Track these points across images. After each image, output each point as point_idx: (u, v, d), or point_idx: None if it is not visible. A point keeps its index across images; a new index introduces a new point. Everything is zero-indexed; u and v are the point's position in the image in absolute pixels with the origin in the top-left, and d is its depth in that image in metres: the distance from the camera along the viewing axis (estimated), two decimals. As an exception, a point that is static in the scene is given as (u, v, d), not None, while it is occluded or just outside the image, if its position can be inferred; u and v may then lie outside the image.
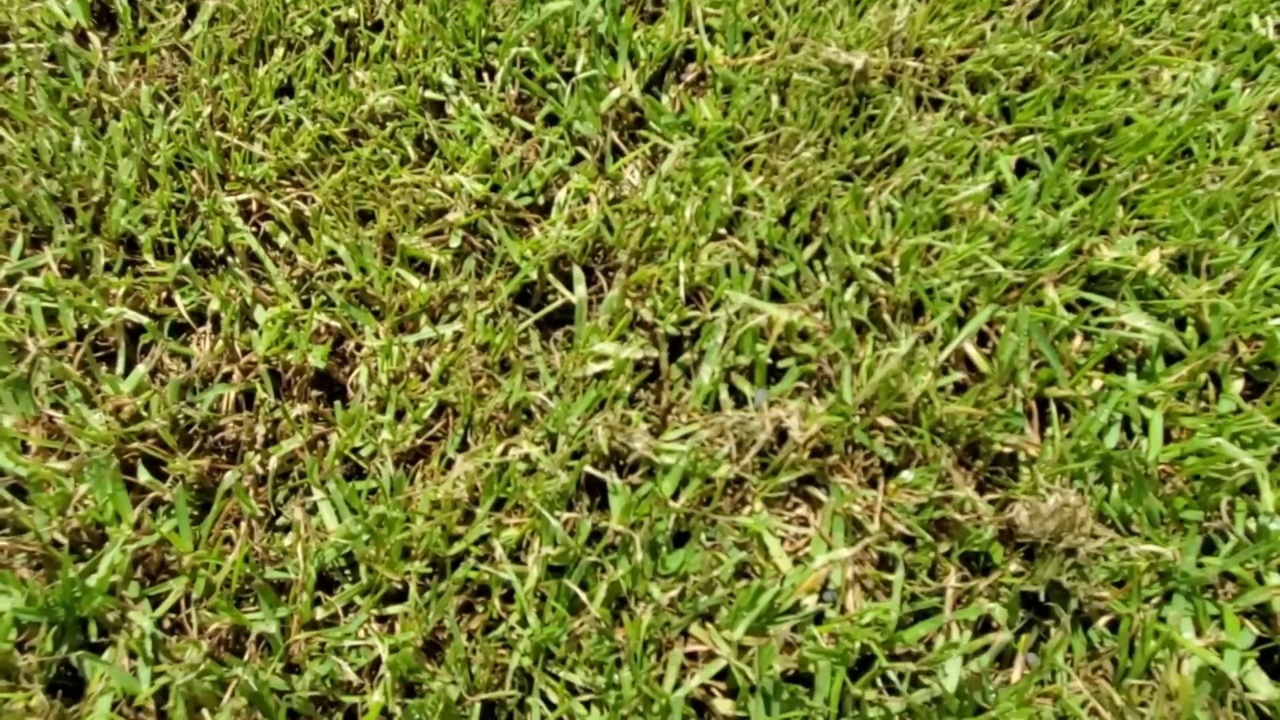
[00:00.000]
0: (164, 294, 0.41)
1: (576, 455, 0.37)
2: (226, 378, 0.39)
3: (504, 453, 0.36)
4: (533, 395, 0.38)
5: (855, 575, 0.36)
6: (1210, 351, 0.39)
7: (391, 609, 0.35)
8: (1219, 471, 0.37)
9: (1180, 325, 0.41)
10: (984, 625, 0.35)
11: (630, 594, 0.35)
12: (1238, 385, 0.40)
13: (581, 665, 0.34)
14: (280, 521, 0.37)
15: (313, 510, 0.37)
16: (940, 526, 0.36)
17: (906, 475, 0.37)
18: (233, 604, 0.34)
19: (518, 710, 0.33)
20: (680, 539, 0.36)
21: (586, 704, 0.33)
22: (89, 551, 0.36)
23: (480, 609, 0.35)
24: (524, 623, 0.34)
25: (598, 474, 0.36)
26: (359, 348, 0.40)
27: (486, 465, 0.36)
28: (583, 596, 0.34)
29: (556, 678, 0.33)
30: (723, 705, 0.34)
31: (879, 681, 0.34)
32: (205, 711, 0.32)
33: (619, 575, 0.34)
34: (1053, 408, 0.39)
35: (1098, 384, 0.39)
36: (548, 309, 0.41)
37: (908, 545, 0.36)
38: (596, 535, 0.36)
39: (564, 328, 0.41)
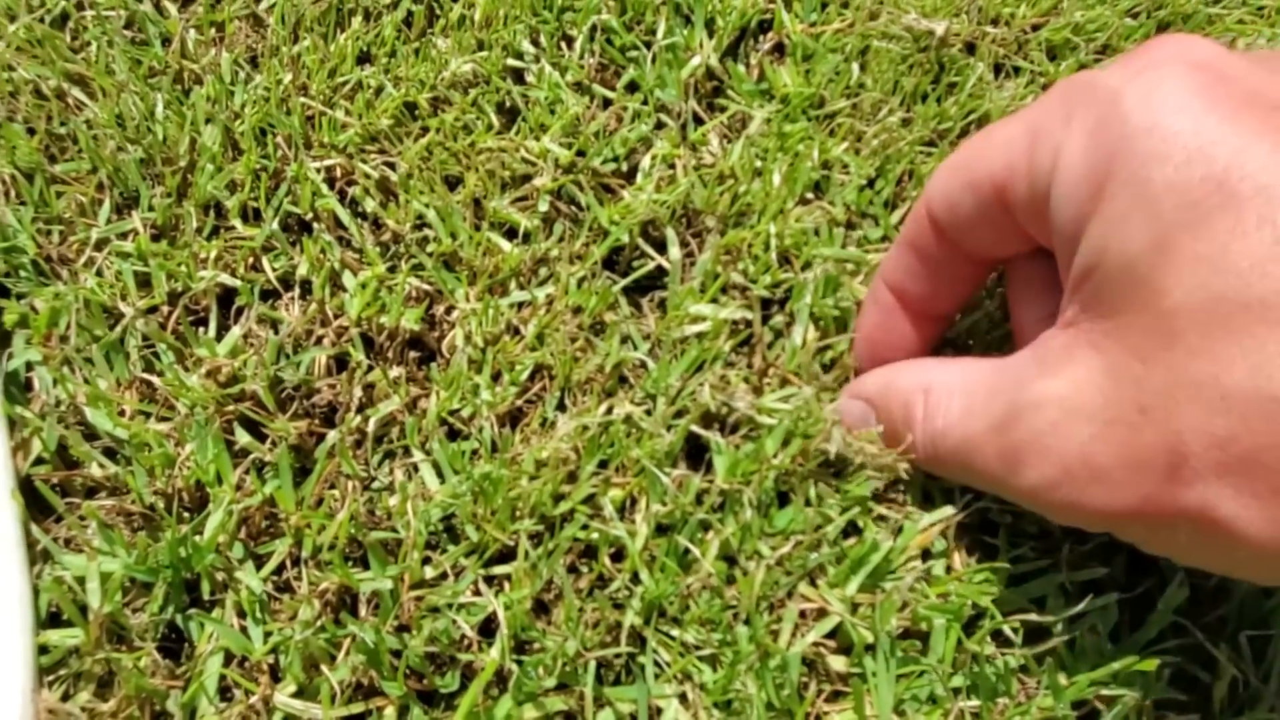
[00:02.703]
0: (251, 259, 0.40)
1: (678, 415, 0.37)
2: (318, 341, 0.39)
3: (607, 412, 0.36)
4: (631, 356, 0.38)
5: (958, 537, 0.36)
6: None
7: (497, 569, 0.35)
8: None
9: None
10: (1093, 584, 0.35)
11: (739, 552, 0.34)
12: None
13: (693, 623, 0.33)
14: (375, 485, 0.36)
15: (411, 472, 0.36)
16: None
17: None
18: (343, 563, 0.33)
19: (630, 666, 0.33)
20: (782, 499, 0.36)
21: (701, 660, 0.33)
22: (188, 514, 0.36)
23: (585, 569, 0.35)
24: (636, 580, 0.34)
25: (703, 432, 0.36)
26: (449, 311, 0.40)
27: (587, 427, 0.36)
28: (695, 552, 0.34)
29: (670, 636, 0.33)
30: (836, 662, 0.33)
31: (991, 639, 0.34)
32: (322, 668, 0.32)
33: (728, 533, 0.34)
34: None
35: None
36: (637, 274, 0.41)
37: (1013, 509, 0.36)
38: (699, 497, 0.36)
39: (651, 294, 0.41)
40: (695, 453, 0.37)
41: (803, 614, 0.34)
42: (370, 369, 0.38)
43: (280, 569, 0.35)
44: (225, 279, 0.39)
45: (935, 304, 0.35)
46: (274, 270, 0.40)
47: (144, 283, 0.39)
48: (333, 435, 0.36)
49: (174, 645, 0.34)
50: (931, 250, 0.34)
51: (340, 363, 0.39)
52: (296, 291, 0.40)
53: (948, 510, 0.35)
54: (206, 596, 0.33)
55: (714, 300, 0.39)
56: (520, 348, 0.38)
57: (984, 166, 0.30)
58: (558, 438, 0.35)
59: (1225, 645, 0.33)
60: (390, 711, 0.32)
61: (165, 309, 0.39)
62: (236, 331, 0.38)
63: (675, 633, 0.33)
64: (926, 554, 0.35)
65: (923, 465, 0.34)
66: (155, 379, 0.37)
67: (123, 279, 0.39)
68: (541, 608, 0.34)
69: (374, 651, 0.32)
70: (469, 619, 0.33)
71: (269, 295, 0.40)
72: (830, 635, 0.34)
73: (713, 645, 0.33)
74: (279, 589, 0.35)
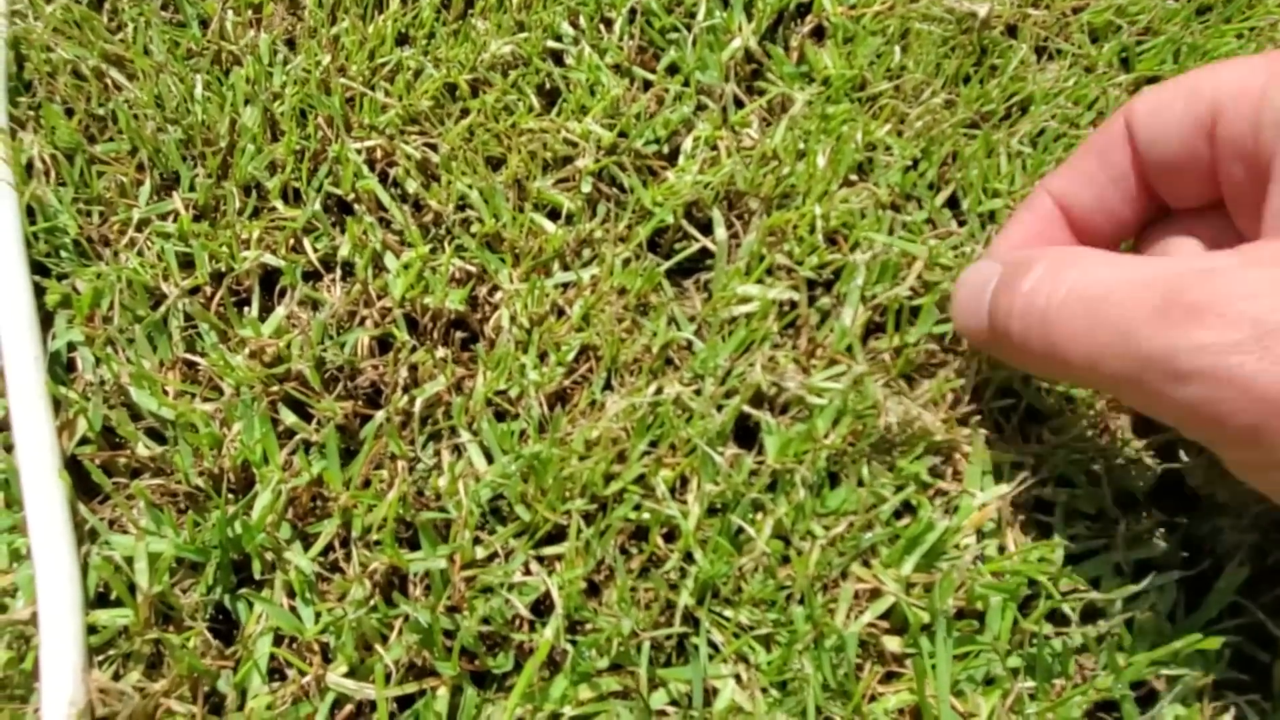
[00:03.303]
0: (293, 241, 0.40)
1: (728, 395, 0.36)
2: (361, 322, 0.38)
3: (657, 392, 0.36)
4: (678, 336, 0.38)
5: (1012, 517, 0.35)
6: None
7: (548, 550, 0.34)
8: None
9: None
10: (1147, 564, 0.35)
11: (792, 531, 0.34)
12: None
13: (747, 604, 0.33)
14: (421, 466, 0.36)
15: (458, 453, 0.36)
16: (1092, 475, 0.36)
17: (1055, 422, 0.37)
18: (393, 543, 0.33)
19: (684, 646, 0.33)
20: (834, 478, 0.36)
21: (756, 641, 0.33)
22: (234, 494, 0.35)
23: (636, 550, 0.35)
24: (689, 559, 0.33)
25: (753, 412, 0.36)
26: (493, 292, 0.40)
27: (636, 406, 0.36)
28: (750, 531, 0.33)
29: (724, 617, 0.33)
30: (890, 643, 0.33)
31: (1048, 618, 0.33)
32: (376, 648, 0.32)
33: (781, 513, 0.34)
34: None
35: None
36: (680, 255, 0.40)
37: (1068, 488, 0.36)
38: (750, 477, 0.35)
39: (694, 275, 0.41)
40: (743, 434, 0.37)
41: (856, 594, 0.34)
42: (415, 349, 0.38)
43: (328, 549, 0.34)
44: (268, 259, 0.39)
45: (1101, 219, 0.34)
46: (316, 251, 0.40)
47: (186, 263, 0.39)
48: (379, 415, 0.36)
49: (223, 626, 0.33)
50: (1115, 155, 0.33)
51: (384, 344, 0.39)
52: (338, 273, 0.40)
53: (1002, 488, 0.35)
54: (256, 576, 0.33)
55: (760, 281, 0.39)
56: (566, 328, 0.38)
57: (1210, 83, 0.30)
58: (608, 417, 0.35)
59: (1286, 625, 0.33)
60: (443, 692, 0.32)
61: (208, 289, 0.39)
62: (280, 312, 0.38)
63: (729, 613, 0.33)
64: (980, 533, 0.35)
65: (994, 336, 0.31)
66: (199, 359, 0.37)
67: (165, 259, 0.39)
68: (593, 588, 0.34)
69: (427, 631, 0.32)
70: (522, 599, 0.33)
71: (311, 276, 0.40)
72: (884, 616, 0.34)
73: (768, 625, 0.33)
74: (328, 569, 0.34)
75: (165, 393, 0.36)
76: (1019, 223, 0.35)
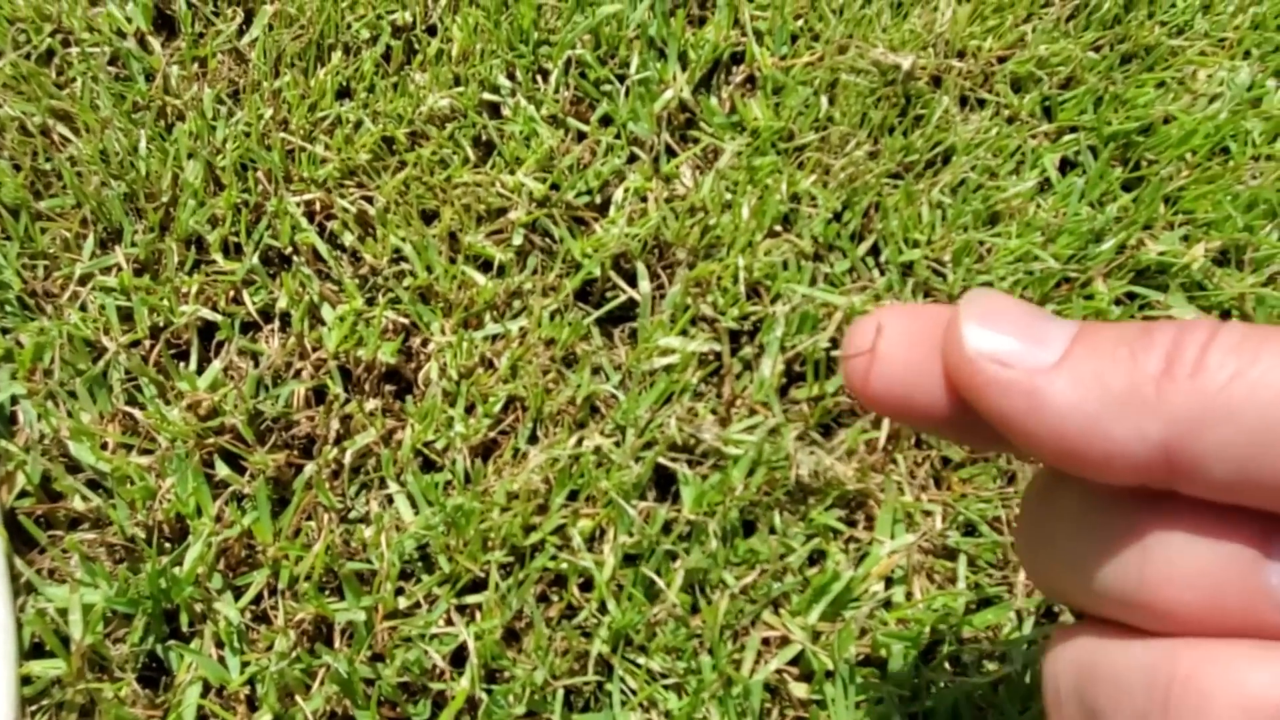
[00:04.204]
0: (232, 293, 0.41)
1: (647, 446, 0.38)
2: (297, 374, 0.40)
3: (578, 444, 0.37)
4: (602, 388, 0.39)
5: (919, 564, 0.37)
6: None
7: (469, 599, 0.35)
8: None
9: (1225, 316, 0.43)
10: (1048, 611, 0.36)
11: (704, 581, 0.35)
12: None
13: (659, 652, 0.34)
14: (352, 515, 0.37)
15: (386, 503, 0.37)
16: (996, 524, 0.37)
17: (968, 470, 0.38)
18: (319, 594, 0.34)
19: (598, 694, 0.34)
20: (748, 528, 0.37)
21: (666, 688, 0.34)
22: (169, 545, 0.36)
23: (555, 598, 0.36)
24: (603, 609, 0.35)
25: (669, 464, 0.37)
26: (425, 344, 0.41)
27: (557, 459, 0.37)
28: (660, 583, 0.35)
29: (636, 664, 0.34)
30: (798, 689, 0.34)
31: (948, 665, 0.35)
32: (297, 698, 0.33)
33: (693, 563, 0.35)
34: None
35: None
36: (609, 306, 0.42)
37: (971, 536, 0.37)
38: (667, 526, 0.36)
39: (623, 325, 0.42)
40: (664, 482, 0.38)
41: (766, 641, 0.35)
42: (348, 401, 0.39)
43: (258, 599, 0.36)
44: (206, 313, 0.40)
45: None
46: (254, 304, 0.41)
47: (126, 317, 0.40)
48: (310, 467, 0.37)
49: (154, 675, 0.35)
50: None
51: (319, 395, 0.40)
52: (276, 324, 0.41)
53: (910, 537, 0.36)
54: (185, 627, 0.34)
55: (683, 333, 0.40)
56: (494, 380, 0.39)
57: None
58: (529, 469, 0.36)
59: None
60: (364, 740, 0.33)
61: (147, 343, 0.40)
62: (217, 365, 0.39)
63: (641, 661, 0.34)
64: (889, 580, 0.36)
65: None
66: (137, 412, 0.38)
67: (106, 314, 0.40)
68: (512, 636, 0.35)
69: (348, 681, 0.33)
70: (440, 649, 0.34)
71: (249, 328, 0.41)
72: (793, 662, 0.35)
73: (678, 673, 0.34)
74: (256, 619, 0.36)
75: (104, 446, 0.37)
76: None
